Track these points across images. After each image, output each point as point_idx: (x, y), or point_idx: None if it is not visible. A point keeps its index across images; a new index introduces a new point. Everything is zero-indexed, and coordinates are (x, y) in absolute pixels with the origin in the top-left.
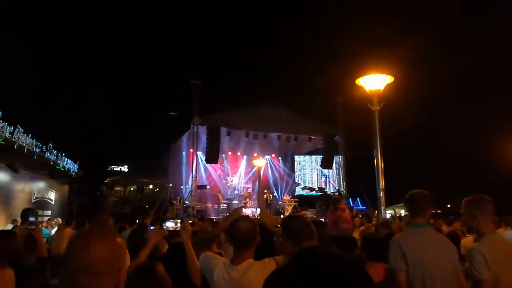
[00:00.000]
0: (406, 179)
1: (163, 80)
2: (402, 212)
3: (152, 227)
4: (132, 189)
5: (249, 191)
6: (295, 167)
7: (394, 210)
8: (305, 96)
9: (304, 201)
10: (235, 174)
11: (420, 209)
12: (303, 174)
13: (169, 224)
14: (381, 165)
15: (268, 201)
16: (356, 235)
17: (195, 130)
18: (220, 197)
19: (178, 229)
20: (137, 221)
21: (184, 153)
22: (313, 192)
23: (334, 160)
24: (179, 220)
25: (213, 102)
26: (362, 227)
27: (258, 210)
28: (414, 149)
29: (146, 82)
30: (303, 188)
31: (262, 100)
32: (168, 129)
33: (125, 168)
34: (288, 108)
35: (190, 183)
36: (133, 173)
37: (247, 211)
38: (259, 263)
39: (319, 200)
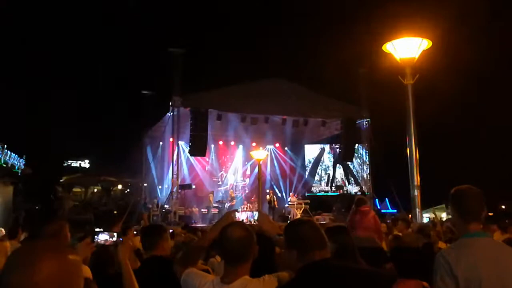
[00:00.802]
0: (448, 174)
1: (134, 48)
2: (444, 216)
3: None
4: (95, 190)
5: (246, 191)
6: (306, 159)
7: (434, 213)
8: (318, 68)
9: (317, 203)
10: (229, 170)
11: (472, 211)
12: (316, 168)
13: (103, 237)
14: (415, 155)
15: (272, 204)
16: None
17: (175, 113)
18: (211, 199)
19: (113, 243)
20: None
21: (162, 143)
22: (330, 192)
23: (355, 150)
24: (115, 234)
25: (199, 77)
26: (391, 234)
27: (256, 214)
28: (458, 136)
29: (113, 51)
30: (339, 189)
31: (262, 74)
32: (141, 113)
33: (85, 164)
34: (296, 84)
35: (170, 182)
36: (96, 170)
37: (242, 216)
38: (257, 281)
39: (337, 202)
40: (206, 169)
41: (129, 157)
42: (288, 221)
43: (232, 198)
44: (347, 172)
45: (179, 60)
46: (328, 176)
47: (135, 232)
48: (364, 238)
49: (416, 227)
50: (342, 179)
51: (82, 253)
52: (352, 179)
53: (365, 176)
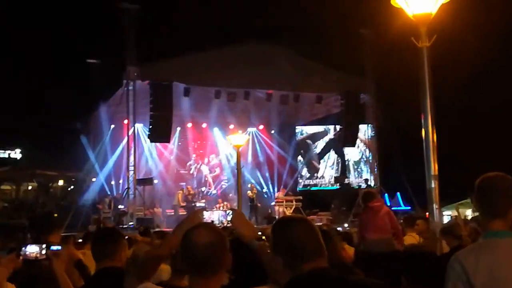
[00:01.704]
0: (474, 161)
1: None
2: (469, 213)
3: (57, 247)
4: (29, 187)
5: (223, 186)
6: (297, 144)
7: (457, 210)
8: (310, 29)
9: (312, 200)
10: (201, 159)
11: (496, 205)
12: (311, 155)
13: (32, 249)
14: (432, 138)
15: (254, 202)
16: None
17: (130, 88)
18: (179, 198)
19: (45, 257)
20: (38, 238)
21: (113, 126)
22: (328, 186)
23: (359, 133)
24: (45, 246)
25: (160, 41)
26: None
27: (229, 214)
28: (488, 114)
29: (46, 7)
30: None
31: (240, 37)
32: (86, 88)
33: (16, 154)
34: (283, 49)
35: (125, 176)
36: (30, 162)
37: (213, 216)
38: None
39: (337, 198)
40: (172, 158)
41: (72, 145)
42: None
43: (218, 198)
44: (348, 159)
45: (133, 19)
46: (324, 165)
47: (80, 240)
48: (377, 241)
49: (444, 227)
50: (340, 168)
51: (6, 269)
52: (355, 168)
53: (370, 165)
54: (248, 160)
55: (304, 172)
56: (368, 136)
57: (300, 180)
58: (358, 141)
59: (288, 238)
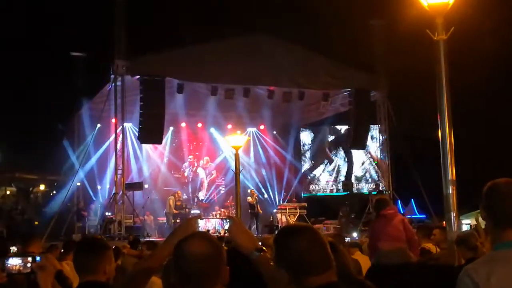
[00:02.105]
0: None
1: None
2: None
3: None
4: (7, 192)
5: (221, 191)
6: (301, 146)
7: (477, 219)
8: (316, 20)
9: (318, 208)
10: (196, 162)
11: (508, 214)
12: (316, 158)
13: (15, 262)
14: (449, 139)
15: (255, 209)
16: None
17: (119, 83)
18: (170, 204)
19: (29, 270)
20: (16, 248)
21: (100, 126)
22: (335, 192)
23: (369, 134)
24: (29, 258)
25: (151, 33)
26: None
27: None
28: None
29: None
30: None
31: (240, 28)
32: (70, 84)
33: None
34: (287, 42)
35: (113, 180)
36: (8, 164)
37: (209, 225)
38: None
39: (345, 205)
40: (165, 161)
41: (55, 146)
42: (278, 228)
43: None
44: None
45: (122, 8)
46: (332, 169)
47: (62, 250)
48: (389, 251)
49: (457, 237)
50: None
51: None
52: (368, 172)
53: (382, 169)
54: (247, 163)
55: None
56: (379, 138)
57: (305, 186)
58: (368, 143)
59: (292, 249)
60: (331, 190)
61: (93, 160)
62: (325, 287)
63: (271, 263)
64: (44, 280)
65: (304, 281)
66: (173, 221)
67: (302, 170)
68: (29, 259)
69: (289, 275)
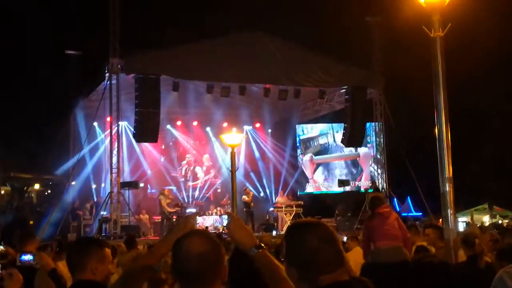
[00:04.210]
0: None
1: None
2: (486, 220)
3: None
4: (2, 191)
5: (218, 190)
6: (298, 144)
7: (472, 217)
8: (312, 17)
9: (314, 206)
10: (192, 161)
11: None
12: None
13: None
14: (446, 137)
15: (250, 207)
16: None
17: (114, 82)
18: (162, 202)
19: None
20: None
21: (95, 124)
22: (331, 190)
23: (365, 132)
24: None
25: (146, 31)
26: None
27: (224, 219)
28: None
29: None
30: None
31: (235, 26)
32: (64, 82)
33: None
34: (282, 40)
35: (108, 179)
36: (3, 163)
37: (207, 222)
38: None
39: (340, 204)
40: (162, 160)
41: (50, 145)
42: (274, 232)
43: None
44: (353, 161)
45: (117, 6)
46: (326, 168)
47: (57, 249)
48: (387, 249)
49: (453, 236)
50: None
51: None
52: (363, 171)
53: (378, 167)
54: (242, 161)
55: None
56: (375, 136)
57: (301, 184)
58: (365, 140)
59: (303, 246)
60: (328, 188)
61: (88, 159)
62: (337, 285)
63: (271, 260)
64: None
65: (315, 279)
66: (167, 221)
67: (299, 168)
68: None
69: (300, 273)
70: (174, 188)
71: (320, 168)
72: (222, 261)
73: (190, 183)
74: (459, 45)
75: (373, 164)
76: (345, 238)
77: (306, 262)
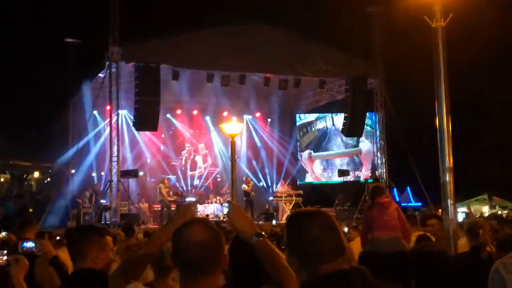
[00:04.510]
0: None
1: None
2: (486, 210)
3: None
4: (2, 179)
5: (218, 179)
6: (298, 134)
7: (469, 208)
8: (312, 7)
9: (314, 195)
10: (194, 150)
11: None
12: (312, 146)
13: None
14: (447, 127)
15: (251, 195)
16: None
17: (114, 70)
18: (163, 190)
19: (5, 263)
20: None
21: (95, 112)
22: (331, 180)
23: (366, 122)
24: (4, 251)
25: (146, 19)
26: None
27: (225, 207)
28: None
29: None
30: (343, 174)
31: (236, 16)
32: (64, 70)
33: None
34: (282, 29)
35: (108, 167)
36: (2, 151)
37: (208, 210)
38: None
39: (341, 193)
40: (162, 149)
41: (49, 133)
42: (275, 221)
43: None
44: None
45: None
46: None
47: (58, 238)
48: (386, 240)
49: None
50: (347, 160)
51: None
52: (362, 160)
53: (378, 156)
54: (243, 150)
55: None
56: (376, 126)
57: (301, 173)
58: (365, 130)
59: (304, 235)
60: (327, 178)
61: (88, 147)
62: (337, 274)
63: (271, 248)
64: (17, 273)
65: (316, 268)
66: (166, 209)
67: (300, 158)
68: (4, 251)
69: (300, 262)
70: (173, 177)
71: (319, 159)
72: (223, 250)
73: (189, 172)
74: (460, 35)
75: (373, 155)
76: (346, 229)
77: (307, 251)
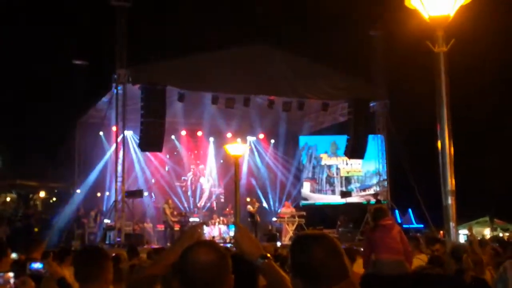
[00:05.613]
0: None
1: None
2: (487, 233)
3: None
4: (8, 199)
5: (221, 200)
6: (301, 156)
7: (470, 230)
8: (316, 31)
9: (316, 217)
10: (198, 171)
11: None
12: (316, 168)
13: None
14: (449, 150)
15: (255, 217)
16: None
17: (120, 92)
18: (167, 211)
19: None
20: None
21: (101, 133)
22: (338, 200)
23: (368, 144)
24: (11, 274)
25: (152, 42)
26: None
27: (231, 230)
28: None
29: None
30: (345, 196)
31: (241, 38)
32: (71, 92)
33: None
34: (287, 52)
35: (113, 188)
36: (9, 171)
37: (213, 232)
38: None
39: (342, 215)
40: (167, 169)
41: (55, 154)
42: (279, 243)
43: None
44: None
45: (124, 18)
46: (331, 178)
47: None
48: (389, 262)
49: (449, 249)
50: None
51: None
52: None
53: (380, 178)
54: (246, 171)
55: (306, 187)
56: (379, 148)
57: (303, 195)
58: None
59: (308, 258)
60: (330, 200)
61: (93, 167)
62: None
63: (277, 270)
64: None
65: None
66: (170, 230)
67: (302, 179)
68: (10, 274)
69: (305, 284)
70: (177, 198)
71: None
72: (229, 271)
73: (190, 192)
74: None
75: (375, 177)
76: None
77: (311, 274)
